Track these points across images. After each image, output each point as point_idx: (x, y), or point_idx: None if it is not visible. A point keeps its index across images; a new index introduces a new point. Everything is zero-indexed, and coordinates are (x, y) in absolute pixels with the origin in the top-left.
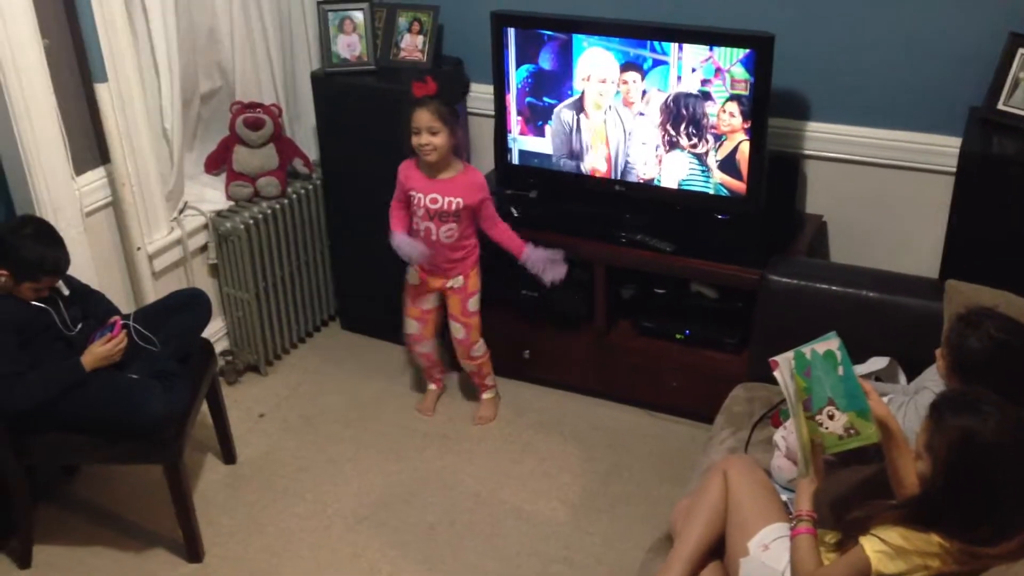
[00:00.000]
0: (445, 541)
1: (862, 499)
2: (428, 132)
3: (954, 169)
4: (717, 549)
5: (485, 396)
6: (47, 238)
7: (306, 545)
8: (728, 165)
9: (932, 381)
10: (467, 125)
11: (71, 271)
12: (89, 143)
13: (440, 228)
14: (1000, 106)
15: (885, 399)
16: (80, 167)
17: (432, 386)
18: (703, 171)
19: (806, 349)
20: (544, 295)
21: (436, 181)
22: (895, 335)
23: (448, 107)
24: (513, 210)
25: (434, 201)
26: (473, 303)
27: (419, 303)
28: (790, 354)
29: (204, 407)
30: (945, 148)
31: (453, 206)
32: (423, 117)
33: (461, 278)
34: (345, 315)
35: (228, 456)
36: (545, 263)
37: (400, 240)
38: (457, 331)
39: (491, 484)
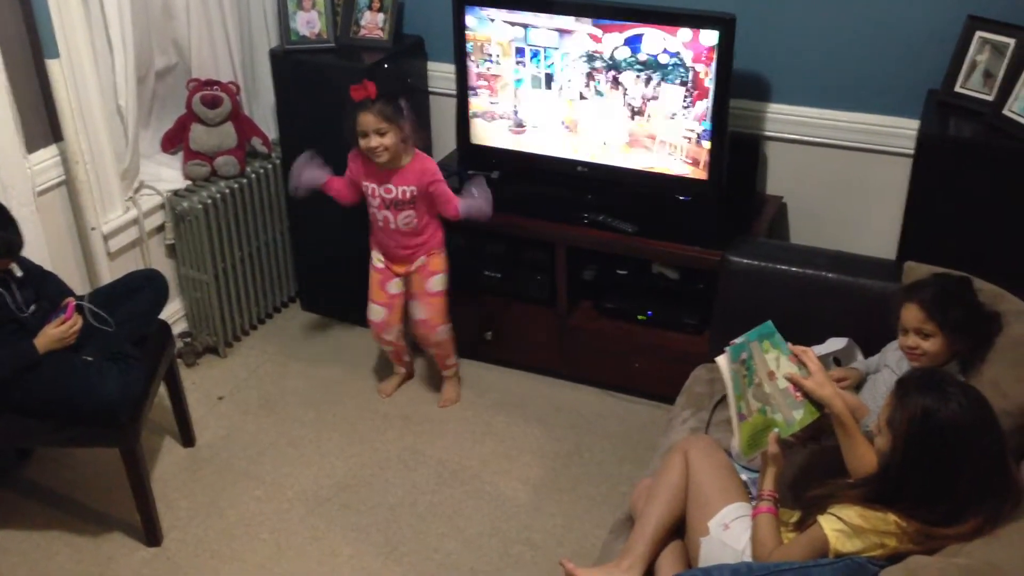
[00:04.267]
0: (407, 523)
1: (821, 478)
2: (376, 134)
3: (912, 151)
4: (678, 529)
5: (447, 375)
6: None
7: (266, 528)
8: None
9: (893, 361)
10: (427, 108)
11: (23, 252)
12: (41, 120)
13: (398, 216)
14: (957, 88)
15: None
16: (32, 145)
17: (400, 369)
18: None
19: (739, 339)
20: (506, 276)
21: (388, 172)
22: (854, 316)
23: (391, 104)
24: (474, 191)
25: (388, 191)
26: (435, 283)
27: (386, 287)
28: (727, 351)
29: (162, 389)
30: (903, 130)
31: (407, 195)
32: (368, 120)
33: (423, 258)
34: (305, 296)
35: (187, 439)
36: (480, 204)
37: (307, 161)
38: (417, 311)
39: (452, 465)
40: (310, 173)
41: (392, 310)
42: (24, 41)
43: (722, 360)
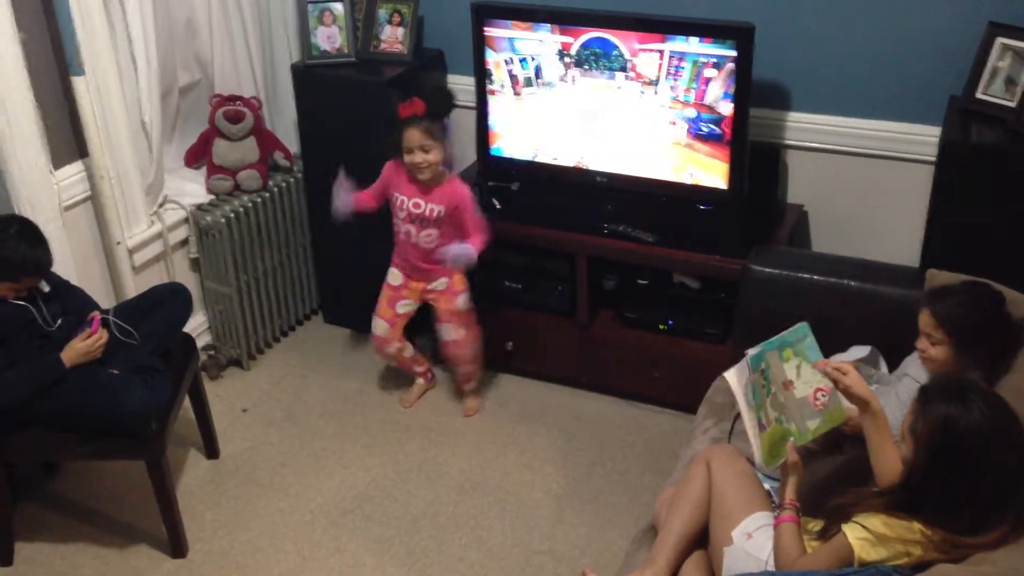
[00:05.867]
0: (429, 534)
1: (844, 486)
2: (421, 150)
3: (934, 158)
4: (701, 539)
5: (468, 388)
6: (31, 239)
7: (290, 539)
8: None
9: (913, 369)
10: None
11: None
12: (67, 137)
13: (420, 232)
14: (979, 95)
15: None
16: (58, 161)
17: (420, 380)
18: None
19: (754, 349)
20: (527, 287)
21: (422, 188)
22: (876, 324)
23: (436, 123)
24: (495, 202)
25: (416, 206)
26: (462, 302)
27: (395, 305)
28: (746, 358)
29: (186, 402)
30: (925, 137)
31: (434, 213)
32: (414, 136)
33: (444, 279)
34: (327, 309)
35: (211, 451)
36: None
37: (340, 186)
38: (450, 332)
39: (474, 476)
40: (343, 199)
41: (395, 326)
42: (50, 59)
43: (731, 375)
